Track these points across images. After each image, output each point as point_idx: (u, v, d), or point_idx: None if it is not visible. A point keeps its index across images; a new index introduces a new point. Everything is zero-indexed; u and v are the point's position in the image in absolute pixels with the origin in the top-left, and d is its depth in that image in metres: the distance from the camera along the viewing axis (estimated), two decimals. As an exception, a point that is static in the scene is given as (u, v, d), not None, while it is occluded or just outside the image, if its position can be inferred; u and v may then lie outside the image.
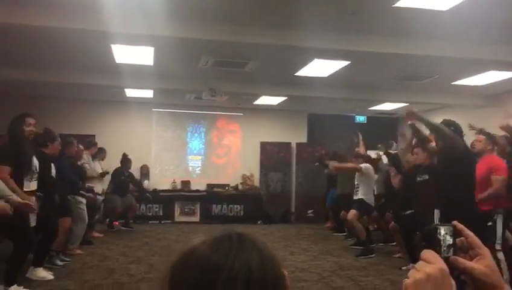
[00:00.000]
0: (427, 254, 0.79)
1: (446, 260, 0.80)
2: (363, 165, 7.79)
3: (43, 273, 5.51)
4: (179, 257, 0.83)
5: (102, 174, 8.46)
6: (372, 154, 9.27)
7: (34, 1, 5.26)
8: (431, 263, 0.77)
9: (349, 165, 8.33)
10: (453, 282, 0.77)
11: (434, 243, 0.83)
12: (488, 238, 4.65)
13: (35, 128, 5.14)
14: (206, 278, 0.77)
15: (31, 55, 7.49)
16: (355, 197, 7.82)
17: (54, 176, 5.75)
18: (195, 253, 0.82)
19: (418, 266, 0.78)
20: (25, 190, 4.78)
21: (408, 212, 6.40)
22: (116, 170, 9.53)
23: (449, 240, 0.84)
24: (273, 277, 0.81)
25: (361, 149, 8.42)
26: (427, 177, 5.98)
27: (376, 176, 8.09)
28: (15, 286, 4.72)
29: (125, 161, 9.79)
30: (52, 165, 5.71)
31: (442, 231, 0.84)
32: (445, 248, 0.83)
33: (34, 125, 5.12)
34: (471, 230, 0.86)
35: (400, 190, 7.03)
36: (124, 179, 9.70)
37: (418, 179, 6.19)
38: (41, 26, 5.62)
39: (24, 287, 4.85)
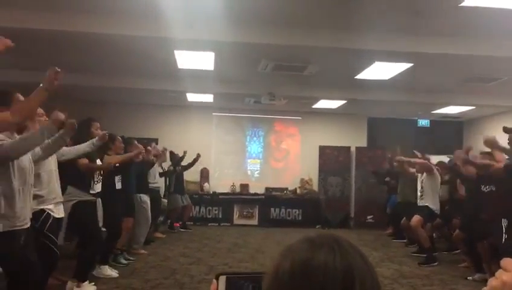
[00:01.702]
0: (506, 262, 0.79)
1: None
2: (432, 164, 7.54)
3: (108, 271, 5.73)
4: (280, 261, 0.83)
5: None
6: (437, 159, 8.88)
7: (99, 10, 5.49)
8: (509, 271, 0.77)
9: (419, 160, 7.84)
10: None
11: None
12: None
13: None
14: (311, 279, 0.78)
15: (97, 62, 7.83)
16: (419, 204, 7.55)
17: (119, 178, 5.97)
18: (297, 255, 0.81)
19: (497, 274, 0.78)
20: (91, 192, 5.00)
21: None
22: (169, 172, 9.68)
23: None
24: (375, 281, 0.81)
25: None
26: (494, 188, 5.72)
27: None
28: (87, 282, 4.95)
29: (175, 161, 9.92)
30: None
31: None
32: None
33: (100, 129, 5.36)
34: None
35: (465, 198, 6.77)
36: (180, 171, 9.88)
37: (484, 189, 5.93)
38: (107, 34, 5.87)
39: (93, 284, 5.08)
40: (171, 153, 9.90)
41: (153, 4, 5.15)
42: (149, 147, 7.33)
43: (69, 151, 4.60)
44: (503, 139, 4.70)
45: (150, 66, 8.03)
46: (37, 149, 3.66)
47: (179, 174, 9.93)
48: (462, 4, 4.85)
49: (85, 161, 4.91)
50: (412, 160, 7.93)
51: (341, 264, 0.78)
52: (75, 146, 4.72)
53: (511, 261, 0.79)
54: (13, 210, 3.09)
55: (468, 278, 6.20)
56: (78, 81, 8.80)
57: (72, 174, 4.81)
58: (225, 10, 5.29)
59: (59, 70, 3.02)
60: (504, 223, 4.71)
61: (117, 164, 5.64)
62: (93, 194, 5.01)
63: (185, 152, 9.96)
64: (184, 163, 10.06)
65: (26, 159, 3.33)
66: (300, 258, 0.80)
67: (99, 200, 5.12)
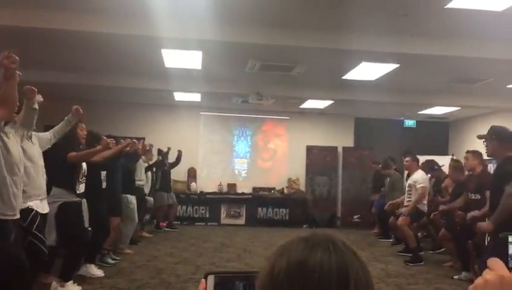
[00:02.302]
0: (492, 261, 0.80)
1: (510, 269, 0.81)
2: (423, 183, 7.47)
3: (94, 271, 5.69)
4: (276, 261, 0.82)
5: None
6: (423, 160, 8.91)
7: (86, 8, 5.45)
8: (493, 270, 0.78)
9: (414, 202, 7.52)
10: None
11: (503, 252, 0.83)
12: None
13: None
14: (306, 278, 0.78)
15: (83, 61, 7.77)
16: (406, 203, 7.62)
17: (104, 177, 5.94)
18: (293, 255, 0.81)
19: (483, 273, 0.79)
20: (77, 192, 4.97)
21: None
22: (157, 163, 9.70)
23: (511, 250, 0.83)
24: (368, 280, 0.81)
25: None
26: (479, 197, 5.79)
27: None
28: (71, 282, 4.91)
29: (162, 153, 10.00)
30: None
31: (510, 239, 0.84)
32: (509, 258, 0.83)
33: (86, 130, 5.35)
34: None
35: (451, 200, 6.84)
36: (167, 169, 9.91)
37: (471, 196, 6.00)
38: (94, 32, 5.83)
39: (77, 284, 5.03)
40: (159, 150, 9.89)
41: (140, 2, 5.12)
42: (135, 140, 7.32)
43: (51, 135, 4.55)
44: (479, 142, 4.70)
45: (137, 65, 7.99)
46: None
47: (166, 172, 9.90)
48: (447, 6, 4.90)
49: (73, 153, 4.88)
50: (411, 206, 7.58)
51: (336, 264, 0.78)
52: (53, 129, 4.64)
53: (496, 260, 0.80)
54: (2, 199, 3.07)
55: (454, 277, 6.26)
56: (65, 80, 8.75)
57: (58, 175, 4.78)
58: (213, 9, 5.28)
59: (9, 53, 2.94)
60: None
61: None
62: (78, 195, 4.98)
63: (168, 148, 10.05)
64: (169, 161, 10.12)
65: (16, 150, 3.32)
66: (296, 257, 0.80)
67: (84, 201, 5.09)
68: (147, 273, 6.00)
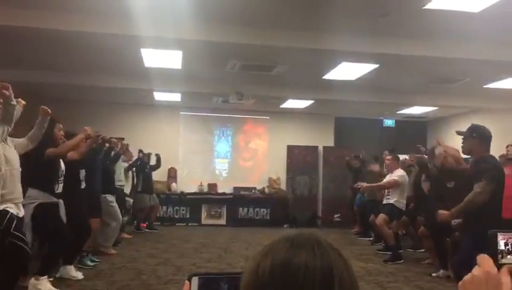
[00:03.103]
0: (480, 257, 0.83)
1: (500, 265, 0.85)
2: (397, 177, 7.60)
3: (73, 272, 5.61)
4: (260, 261, 0.82)
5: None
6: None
7: (65, 7, 5.37)
8: (481, 266, 0.82)
9: (381, 184, 7.92)
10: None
11: (492, 248, 0.85)
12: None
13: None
14: (291, 278, 0.77)
15: (61, 59, 7.65)
16: (385, 202, 7.70)
17: (83, 177, 5.86)
18: (277, 255, 0.81)
19: (473, 269, 0.83)
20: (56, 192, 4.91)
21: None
22: (139, 164, 9.64)
23: (501, 246, 0.86)
24: (353, 280, 0.81)
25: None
26: (454, 184, 5.87)
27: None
28: (45, 277, 4.85)
29: (144, 156, 9.95)
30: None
31: (499, 237, 0.87)
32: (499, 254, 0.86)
33: (63, 130, 5.27)
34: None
35: (430, 195, 6.91)
36: (148, 172, 9.88)
37: (448, 185, 6.08)
38: (71, 31, 5.74)
39: (56, 287, 4.96)
40: (140, 150, 9.83)
41: (119, 1, 5.06)
42: (114, 139, 7.29)
43: (23, 141, 4.48)
44: (457, 141, 4.76)
45: (116, 64, 7.90)
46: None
47: (148, 174, 9.84)
48: (426, 7, 4.96)
49: (51, 149, 4.81)
50: (379, 185, 7.98)
51: (321, 264, 0.78)
52: (28, 135, 4.54)
53: (485, 257, 0.83)
54: None
55: (433, 274, 6.35)
56: (42, 79, 8.62)
57: (33, 176, 4.69)
58: (193, 9, 5.25)
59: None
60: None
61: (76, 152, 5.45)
62: (56, 194, 4.91)
63: (149, 153, 10.10)
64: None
65: None
66: (281, 258, 0.80)
67: (61, 201, 5.01)
68: (126, 275, 5.94)
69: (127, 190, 8.43)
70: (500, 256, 0.88)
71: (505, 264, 0.86)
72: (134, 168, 9.24)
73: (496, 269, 0.81)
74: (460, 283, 0.82)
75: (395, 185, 7.59)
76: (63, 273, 5.53)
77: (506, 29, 5.63)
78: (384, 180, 7.94)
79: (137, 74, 8.46)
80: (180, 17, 5.48)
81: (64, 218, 5.04)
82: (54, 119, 5.10)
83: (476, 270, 0.82)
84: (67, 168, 5.30)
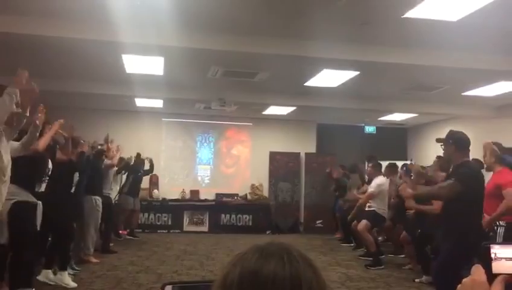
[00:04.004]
0: (474, 268, 0.91)
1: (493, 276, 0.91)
2: (373, 188, 7.73)
3: (66, 280, 5.53)
4: (229, 271, 0.82)
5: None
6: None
7: (45, 12, 5.32)
8: (472, 275, 0.90)
9: (361, 204, 7.93)
10: None
11: (485, 259, 0.92)
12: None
13: None
14: (259, 288, 0.78)
15: (41, 65, 7.55)
16: (367, 208, 7.77)
17: (76, 182, 5.83)
18: (246, 265, 0.81)
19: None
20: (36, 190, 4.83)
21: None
22: (132, 166, 9.70)
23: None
24: (323, 289, 0.83)
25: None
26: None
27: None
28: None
29: (140, 159, 10.07)
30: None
31: (493, 248, 0.93)
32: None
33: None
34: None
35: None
36: (140, 175, 9.92)
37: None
38: (52, 37, 5.68)
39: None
40: (138, 154, 10.08)
41: (100, 7, 5.03)
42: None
43: (18, 146, 4.45)
44: (437, 147, 4.83)
45: (97, 70, 7.84)
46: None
47: (139, 178, 9.89)
48: (405, 16, 5.03)
49: (36, 145, 4.75)
50: (360, 205, 7.99)
51: (290, 274, 0.78)
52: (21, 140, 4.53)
53: (478, 267, 0.90)
54: None
55: (416, 280, 6.39)
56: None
57: (15, 172, 4.60)
58: (175, 15, 5.24)
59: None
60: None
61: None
62: (37, 194, 4.81)
63: (147, 158, 10.36)
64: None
65: (5, 155, 3.24)
66: (250, 267, 0.79)
67: (40, 204, 4.89)
68: (107, 283, 5.87)
69: (113, 194, 8.42)
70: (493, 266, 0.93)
71: (499, 274, 0.91)
72: (124, 171, 9.32)
73: (485, 277, 0.88)
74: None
75: (371, 197, 7.74)
76: (58, 279, 5.47)
77: (484, 37, 5.74)
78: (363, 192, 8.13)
79: (118, 80, 8.41)
80: (162, 23, 5.47)
81: (39, 221, 4.91)
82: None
83: (466, 279, 0.89)
84: (63, 170, 5.24)
